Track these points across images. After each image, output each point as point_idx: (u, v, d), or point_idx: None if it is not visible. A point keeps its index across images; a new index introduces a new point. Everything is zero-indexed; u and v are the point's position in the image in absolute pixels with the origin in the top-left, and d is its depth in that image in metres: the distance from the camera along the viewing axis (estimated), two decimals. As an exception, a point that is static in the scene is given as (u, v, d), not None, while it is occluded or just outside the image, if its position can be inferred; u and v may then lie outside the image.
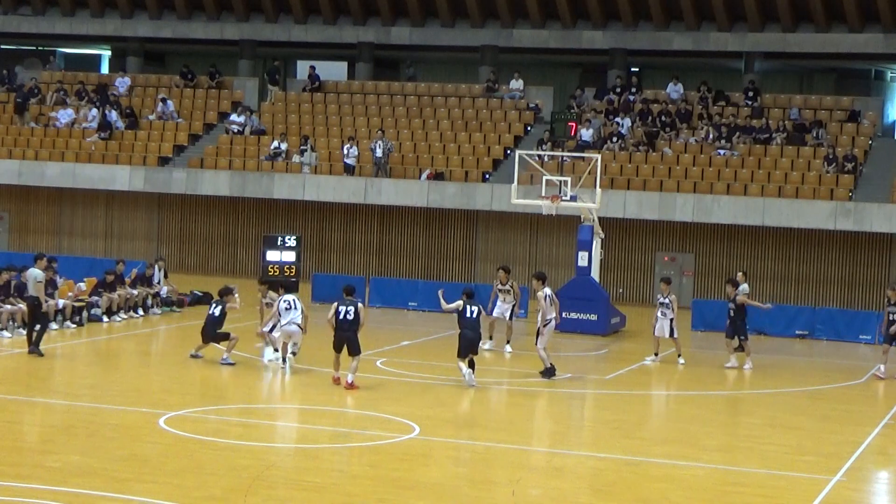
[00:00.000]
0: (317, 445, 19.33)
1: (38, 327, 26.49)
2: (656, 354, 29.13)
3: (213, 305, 26.84)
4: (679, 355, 29.01)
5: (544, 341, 26.15)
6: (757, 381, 27.40)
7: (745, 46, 45.39)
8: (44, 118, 47.87)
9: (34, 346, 26.56)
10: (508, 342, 29.90)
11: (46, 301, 28.15)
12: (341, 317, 23.85)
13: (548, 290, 26.50)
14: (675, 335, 29.01)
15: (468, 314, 24.50)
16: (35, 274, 26.94)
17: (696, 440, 21.19)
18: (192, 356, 26.24)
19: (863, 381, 28.20)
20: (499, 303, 29.97)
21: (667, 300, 29.02)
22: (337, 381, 24.04)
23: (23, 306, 29.24)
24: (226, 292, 26.99)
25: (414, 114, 46.16)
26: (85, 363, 26.76)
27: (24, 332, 28.87)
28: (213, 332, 26.41)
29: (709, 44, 45.69)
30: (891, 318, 27.74)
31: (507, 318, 29.97)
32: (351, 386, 23.76)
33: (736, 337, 28.63)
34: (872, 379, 27.99)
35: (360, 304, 24.29)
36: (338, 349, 24.02)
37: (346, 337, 23.86)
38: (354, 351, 23.93)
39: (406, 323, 34.56)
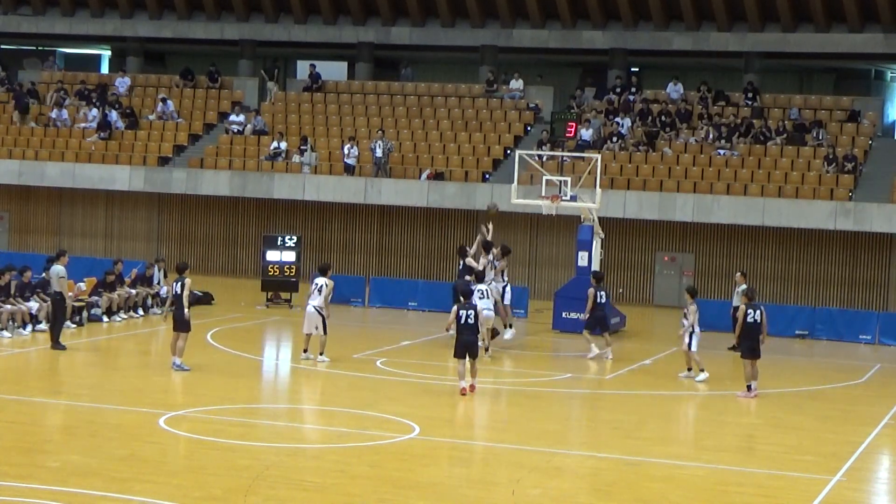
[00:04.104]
0: (317, 445, 19.33)
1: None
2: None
3: (175, 284, 25.52)
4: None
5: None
6: (757, 381, 27.37)
7: (745, 46, 45.37)
8: (44, 118, 47.87)
9: (56, 342, 26.91)
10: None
11: (69, 295, 28.55)
12: (462, 321, 23.51)
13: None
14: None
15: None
16: (58, 270, 27.44)
17: (696, 440, 21.20)
18: (179, 368, 25.06)
19: (863, 381, 28.22)
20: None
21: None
22: (465, 391, 23.55)
23: (23, 307, 29.34)
24: (184, 268, 25.65)
25: (414, 114, 46.16)
26: (85, 363, 26.77)
27: (26, 332, 29.00)
28: (181, 314, 25.02)
29: (709, 44, 45.66)
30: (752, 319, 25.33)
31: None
32: (472, 389, 23.70)
33: (586, 331, 28.97)
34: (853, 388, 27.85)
35: (478, 307, 24.52)
36: (461, 355, 23.57)
37: (470, 341, 23.59)
38: (476, 354, 23.79)
39: (406, 323, 34.55)
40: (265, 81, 49.05)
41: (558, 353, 30.06)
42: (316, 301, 26.67)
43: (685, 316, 26.39)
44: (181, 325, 25.17)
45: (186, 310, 25.10)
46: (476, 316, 23.68)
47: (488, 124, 44.87)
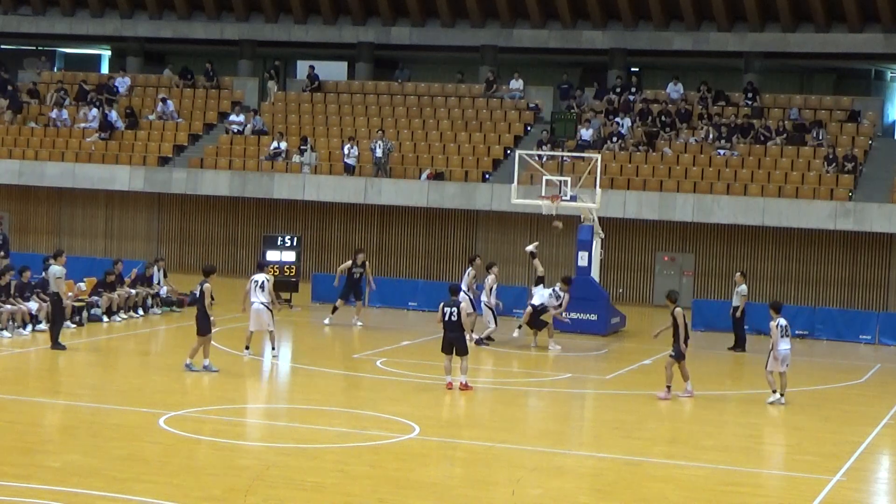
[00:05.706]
0: (317, 445, 19.33)
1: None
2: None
3: (197, 287, 25.93)
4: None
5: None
6: (757, 381, 27.36)
7: (745, 46, 45.36)
8: (44, 118, 47.87)
9: (56, 342, 26.92)
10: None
11: (67, 296, 28.54)
12: (447, 318, 23.99)
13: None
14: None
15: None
16: (55, 270, 27.45)
17: (696, 440, 21.19)
18: (188, 368, 25.06)
19: (862, 381, 28.22)
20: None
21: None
22: (451, 386, 23.99)
23: (23, 307, 29.33)
24: (210, 271, 26.06)
25: (414, 114, 46.15)
26: (85, 363, 26.77)
27: (27, 332, 28.99)
28: (203, 315, 25.06)
29: (709, 44, 45.66)
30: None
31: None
32: (465, 387, 23.93)
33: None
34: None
35: (462, 304, 24.73)
36: (447, 351, 24.12)
37: (454, 338, 23.98)
38: (462, 351, 24.06)
39: (406, 323, 34.56)
40: (266, 81, 49.04)
41: (558, 353, 30.03)
42: (262, 298, 27.01)
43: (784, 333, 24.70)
44: (198, 328, 25.24)
45: (211, 316, 25.23)
46: (459, 313, 24.01)
47: (488, 124, 44.87)
